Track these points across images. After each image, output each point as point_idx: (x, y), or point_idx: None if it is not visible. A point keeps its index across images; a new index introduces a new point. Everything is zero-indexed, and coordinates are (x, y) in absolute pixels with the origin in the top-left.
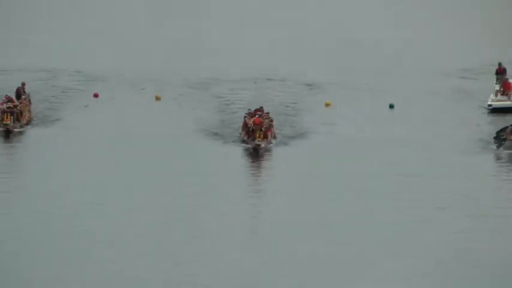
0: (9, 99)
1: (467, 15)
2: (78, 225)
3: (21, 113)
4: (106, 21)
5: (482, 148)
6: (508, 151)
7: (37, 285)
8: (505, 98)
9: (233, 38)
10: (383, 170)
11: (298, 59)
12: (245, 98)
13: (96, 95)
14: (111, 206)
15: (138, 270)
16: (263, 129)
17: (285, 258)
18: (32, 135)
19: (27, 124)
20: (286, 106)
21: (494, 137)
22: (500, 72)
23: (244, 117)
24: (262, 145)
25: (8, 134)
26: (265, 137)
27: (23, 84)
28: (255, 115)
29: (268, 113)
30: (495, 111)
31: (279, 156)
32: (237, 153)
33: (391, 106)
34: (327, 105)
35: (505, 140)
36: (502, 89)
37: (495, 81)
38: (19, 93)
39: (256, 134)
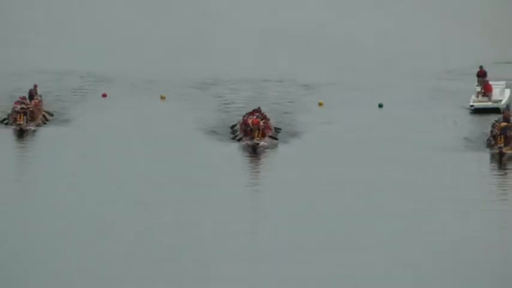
0: (23, 101)
1: (454, 19)
2: (81, 221)
3: (33, 113)
4: (112, 23)
5: (465, 146)
6: (491, 151)
7: (53, 279)
8: (485, 99)
9: (234, 39)
10: (372, 166)
11: (293, 60)
12: (244, 98)
13: (104, 95)
14: (115, 201)
15: (139, 268)
16: (260, 128)
17: (284, 257)
18: (44, 134)
19: (39, 124)
20: (282, 105)
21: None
22: (481, 75)
23: (244, 116)
24: (260, 144)
25: (21, 133)
26: (263, 135)
27: (35, 86)
28: (253, 116)
29: (263, 112)
30: (477, 111)
31: (275, 154)
32: (237, 151)
33: (380, 105)
34: (320, 104)
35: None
36: (482, 91)
37: (476, 84)
38: (31, 94)
39: (255, 134)
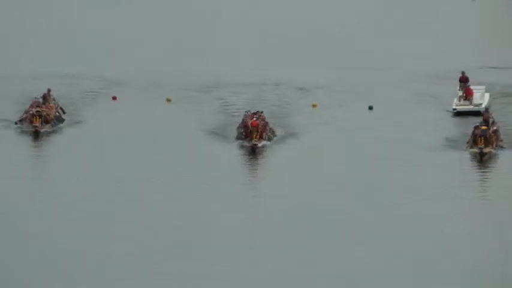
0: (37, 104)
1: (441, 26)
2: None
3: (47, 116)
4: (117, 27)
5: (448, 146)
6: (472, 150)
7: (67, 275)
8: (467, 102)
9: (233, 42)
10: (362, 165)
11: (290, 63)
12: (245, 100)
13: (114, 98)
14: (118, 200)
15: (139, 267)
16: (259, 130)
17: (284, 255)
18: (58, 135)
19: (53, 125)
20: (279, 107)
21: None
22: (463, 80)
23: (244, 115)
24: (259, 145)
25: (36, 135)
26: (261, 137)
27: (49, 90)
28: (253, 118)
29: (262, 115)
30: (459, 114)
31: (272, 153)
32: (236, 151)
33: (370, 108)
34: (314, 106)
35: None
36: (464, 95)
37: (458, 88)
38: (46, 98)
39: (253, 135)
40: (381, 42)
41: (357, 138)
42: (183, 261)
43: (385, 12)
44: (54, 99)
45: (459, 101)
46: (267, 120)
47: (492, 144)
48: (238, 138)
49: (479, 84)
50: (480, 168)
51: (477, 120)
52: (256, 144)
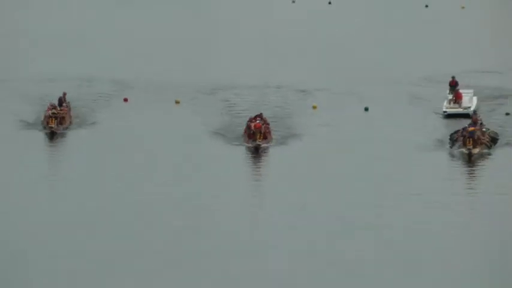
0: (53, 107)
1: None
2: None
3: (63, 118)
4: (131, 32)
5: (438, 147)
6: (458, 150)
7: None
8: (456, 105)
9: (237, 45)
10: (357, 163)
11: (291, 67)
12: (249, 103)
13: (125, 100)
14: (123, 199)
15: (141, 265)
16: (262, 131)
17: (284, 254)
18: (72, 136)
19: (68, 127)
20: (282, 108)
21: (449, 138)
22: (453, 84)
23: (248, 121)
24: (262, 145)
25: (52, 136)
26: (265, 138)
27: (64, 93)
28: (256, 120)
29: (264, 117)
30: (449, 116)
31: (275, 153)
32: (241, 152)
33: (366, 109)
34: (314, 108)
35: (456, 140)
36: (454, 98)
37: (448, 92)
38: (61, 101)
39: (257, 136)
40: (377, 48)
41: (354, 138)
42: (194, 260)
43: (382, 20)
44: (68, 103)
45: (449, 104)
46: (268, 121)
47: (481, 145)
48: (245, 142)
49: (468, 88)
50: (468, 167)
51: (466, 122)
52: (259, 145)
